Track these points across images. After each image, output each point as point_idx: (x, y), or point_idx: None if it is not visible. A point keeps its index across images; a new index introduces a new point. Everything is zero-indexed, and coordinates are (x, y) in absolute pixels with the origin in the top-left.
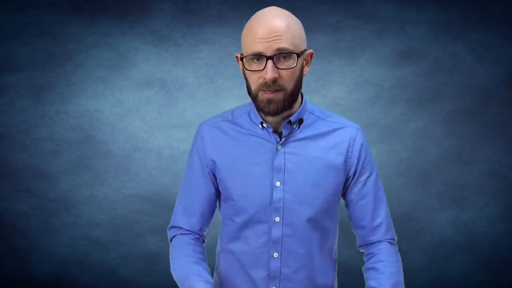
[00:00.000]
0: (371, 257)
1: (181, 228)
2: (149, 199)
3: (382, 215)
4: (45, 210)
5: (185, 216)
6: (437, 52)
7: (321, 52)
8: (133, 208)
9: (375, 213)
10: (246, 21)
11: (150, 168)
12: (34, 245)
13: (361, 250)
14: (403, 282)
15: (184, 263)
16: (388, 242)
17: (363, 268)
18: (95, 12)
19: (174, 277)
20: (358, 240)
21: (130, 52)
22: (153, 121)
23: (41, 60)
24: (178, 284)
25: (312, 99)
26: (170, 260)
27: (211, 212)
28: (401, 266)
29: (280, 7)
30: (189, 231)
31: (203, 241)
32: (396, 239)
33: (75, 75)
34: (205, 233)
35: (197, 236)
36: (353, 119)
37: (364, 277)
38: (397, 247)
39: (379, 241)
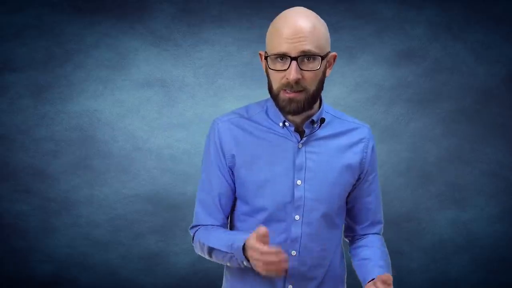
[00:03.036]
0: (362, 239)
1: (204, 225)
2: (149, 199)
3: (381, 213)
4: (45, 210)
5: (208, 215)
6: (437, 52)
7: None
8: (133, 208)
9: (376, 210)
10: (246, 21)
11: (150, 168)
12: (34, 245)
13: (348, 239)
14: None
15: (218, 234)
16: (381, 235)
17: (351, 247)
18: (95, 12)
19: (213, 251)
20: (350, 231)
21: (130, 52)
22: (153, 121)
23: (41, 60)
24: (220, 252)
25: None
26: (202, 244)
27: (231, 207)
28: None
29: (279, 7)
30: (212, 225)
31: None
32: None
33: (75, 75)
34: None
35: (224, 226)
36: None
37: (353, 252)
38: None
39: (373, 233)
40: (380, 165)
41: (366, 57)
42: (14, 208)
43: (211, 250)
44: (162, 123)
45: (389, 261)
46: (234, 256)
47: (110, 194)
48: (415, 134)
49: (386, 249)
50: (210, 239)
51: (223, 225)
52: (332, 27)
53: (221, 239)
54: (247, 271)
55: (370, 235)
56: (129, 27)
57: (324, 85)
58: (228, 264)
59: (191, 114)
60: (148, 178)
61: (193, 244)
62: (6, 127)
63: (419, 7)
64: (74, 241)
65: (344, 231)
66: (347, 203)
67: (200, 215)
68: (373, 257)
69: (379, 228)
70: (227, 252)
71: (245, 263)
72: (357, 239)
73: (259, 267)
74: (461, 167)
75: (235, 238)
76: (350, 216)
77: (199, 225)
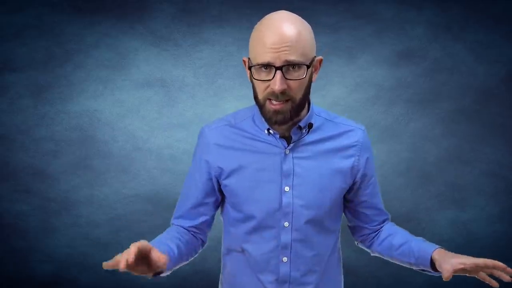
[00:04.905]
0: (381, 232)
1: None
2: (149, 199)
3: (385, 210)
4: (45, 210)
5: (182, 218)
6: (437, 52)
7: (321, 52)
8: (133, 208)
9: (380, 210)
10: (246, 21)
11: (150, 168)
12: (34, 245)
13: (360, 240)
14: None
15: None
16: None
17: (374, 245)
18: (95, 12)
19: None
20: (361, 231)
21: (130, 52)
22: (153, 121)
23: (41, 60)
24: None
25: (312, 99)
26: None
27: (211, 216)
28: None
29: (279, 7)
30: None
31: (202, 242)
32: None
33: (75, 75)
34: (206, 234)
35: (191, 232)
36: (353, 119)
37: (380, 248)
38: None
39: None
40: (380, 165)
41: (366, 57)
42: (14, 208)
43: None
44: (162, 123)
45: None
46: None
47: (110, 194)
48: (415, 134)
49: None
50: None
51: (188, 229)
52: (332, 27)
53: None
54: (242, 280)
55: (384, 226)
56: (129, 27)
57: (324, 85)
58: None
59: (191, 114)
60: (148, 178)
61: None
62: (6, 127)
63: (419, 7)
64: (74, 241)
65: (354, 234)
66: (353, 207)
67: (176, 218)
68: (409, 237)
69: (388, 220)
70: None
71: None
72: (375, 236)
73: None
74: (461, 167)
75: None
76: (360, 219)
77: (172, 223)
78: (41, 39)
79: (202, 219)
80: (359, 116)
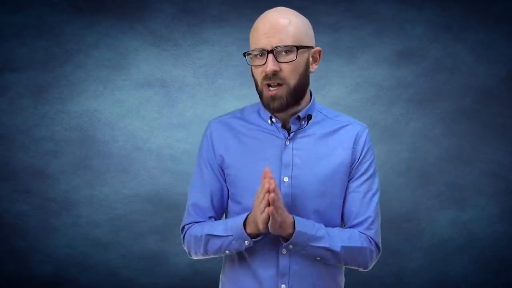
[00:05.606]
0: None
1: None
2: (149, 199)
3: (366, 215)
4: (45, 210)
5: (202, 213)
6: (437, 52)
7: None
8: (133, 208)
9: (360, 211)
10: (246, 21)
11: (150, 168)
12: (34, 245)
13: None
14: (339, 250)
15: (213, 223)
16: (366, 236)
17: None
18: (95, 12)
19: (209, 241)
20: None
21: (130, 52)
22: (153, 121)
23: (41, 60)
24: (217, 238)
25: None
26: (198, 236)
27: (224, 208)
28: (363, 251)
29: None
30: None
31: None
32: (378, 243)
33: (75, 75)
34: None
35: None
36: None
37: None
38: (372, 246)
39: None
40: (380, 165)
41: (366, 57)
42: (14, 208)
43: (207, 240)
44: (162, 123)
45: (346, 243)
46: (233, 239)
47: (110, 194)
48: (415, 134)
49: (349, 234)
50: (205, 228)
51: None
52: (332, 27)
53: (217, 225)
54: (242, 275)
55: (351, 229)
56: (129, 27)
57: (324, 85)
58: (227, 252)
59: (191, 114)
60: (148, 178)
61: (184, 247)
62: (6, 127)
63: (419, 7)
64: (74, 241)
65: None
66: None
67: (192, 213)
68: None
69: (362, 228)
70: (226, 236)
71: (246, 242)
72: None
73: (261, 214)
74: (461, 167)
75: (233, 220)
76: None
77: (190, 223)
78: (41, 39)
79: (221, 213)
80: (359, 116)
